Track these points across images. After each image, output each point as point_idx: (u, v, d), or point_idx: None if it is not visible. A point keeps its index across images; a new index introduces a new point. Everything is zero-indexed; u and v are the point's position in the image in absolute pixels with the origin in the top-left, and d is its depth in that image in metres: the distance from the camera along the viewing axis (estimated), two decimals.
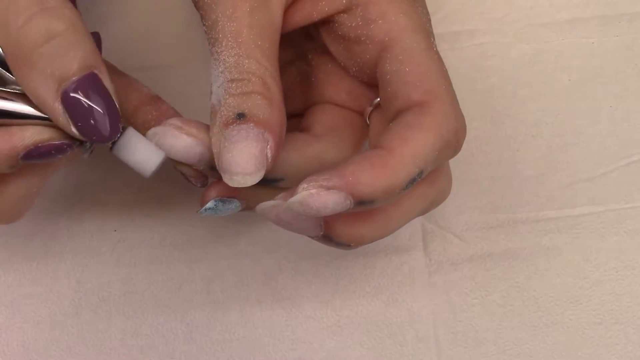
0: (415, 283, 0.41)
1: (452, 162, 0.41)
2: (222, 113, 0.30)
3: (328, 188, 0.29)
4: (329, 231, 0.32)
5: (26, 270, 0.41)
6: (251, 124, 0.30)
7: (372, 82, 0.35)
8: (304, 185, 0.29)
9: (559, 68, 0.43)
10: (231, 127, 0.30)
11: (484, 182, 0.41)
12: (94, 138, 0.29)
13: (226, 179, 0.30)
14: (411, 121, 0.31)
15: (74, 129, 0.29)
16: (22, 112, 0.29)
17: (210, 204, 0.34)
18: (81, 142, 0.30)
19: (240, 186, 0.30)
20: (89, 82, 0.28)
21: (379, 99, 0.35)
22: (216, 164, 0.30)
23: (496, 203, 0.41)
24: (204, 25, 0.32)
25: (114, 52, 0.44)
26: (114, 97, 0.29)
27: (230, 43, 0.31)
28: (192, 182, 0.34)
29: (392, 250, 0.41)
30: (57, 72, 0.28)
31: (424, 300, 0.40)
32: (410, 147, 0.30)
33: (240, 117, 0.30)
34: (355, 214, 0.31)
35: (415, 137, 0.31)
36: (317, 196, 0.29)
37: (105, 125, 0.29)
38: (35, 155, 0.30)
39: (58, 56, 0.28)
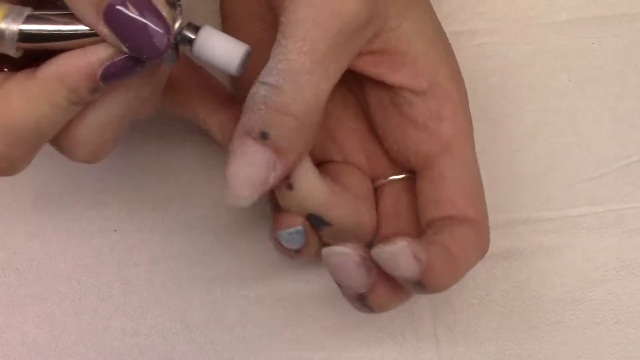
0: None
1: None
2: (250, 121, 0.30)
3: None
4: (369, 294, 0.33)
5: (26, 270, 0.41)
6: (269, 150, 0.30)
7: (399, 160, 0.36)
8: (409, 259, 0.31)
9: (559, 68, 0.43)
10: (250, 142, 0.30)
11: (484, 182, 0.41)
12: (145, 56, 0.28)
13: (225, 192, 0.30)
14: (470, 236, 0.34)
15: (124, 49, 0.28)
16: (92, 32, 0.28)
17: (300, 228, 0.34)
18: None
19: (230, 204, 0.30)
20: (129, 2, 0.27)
21: (392, 178, 0.37)
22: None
23: (496, 203, 0.41)
24: (282, 16, 0.31)
25: None
26: (159, 7, 0.28)
27: (304, 48, 0.30)
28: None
29: None
30: None
31: (424, 300, 0.40)
32: (469, 260, 0.34)
33: (264, 136, 0.30)
34: (396, 288, 0.33)
35: (471, 251, 0.34)
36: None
37: (151, 40, 0.27)
38: (114, 72, 0.28)
39: None
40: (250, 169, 0.30)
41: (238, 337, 0.40)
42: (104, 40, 0.28)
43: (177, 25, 0.28)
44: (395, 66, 0.34)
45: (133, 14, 0.27)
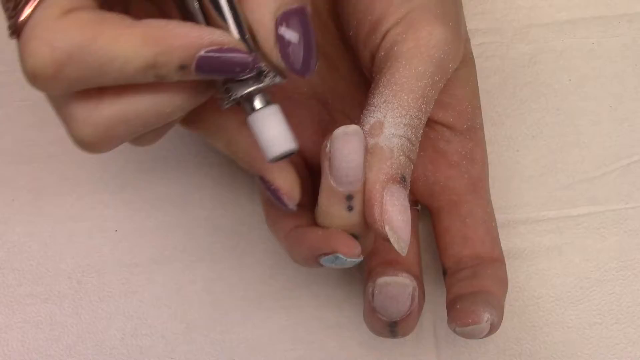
0: None
1: None
2: (392, 169, 0.30)
3: None
4: (402, 322, 0.35)
5: (26, 270, 0.41)
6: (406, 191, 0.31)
7: (419, 191, 0.38)
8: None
9: (559, 68, 0.43)
10: (399, 187, 0.30)
11: None
12: (291, 65, 0.28)
13: (391, 237, 0.30)
14: (503, 276, 0.37)
15: (276, 53, 0.28)
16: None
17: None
18: (259, 74, 0.28)
19: (401, 250, 0.31)
20: (300, 15, 0.28)
21: None
22: (372, 212, 0.30)
23: (496, 203, 0.41)
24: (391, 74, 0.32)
25: None
26: (313, 39, 0.28)
27: (419, 103, 0.31)
28: (283, 201, 0.33)
29: None
30: None
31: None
32: (504, 298, 0.37)
33: (404, 180, 0.31)
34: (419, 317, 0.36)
35: (505, 290, 0.37)
36: None
37: (300, 58, 0.28)
38: (213, 63, 0.27)
39: None
40: (406, 213, 0.30)
41: (238, 337, 0.40)
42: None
43: (263, 82, 0.28)
44: (441, 104, 0.36)
45: (296, 29, 0.28)
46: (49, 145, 0.43)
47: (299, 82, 0.36)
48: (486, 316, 0.34)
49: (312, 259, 0.33)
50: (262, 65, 0.28)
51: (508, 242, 0.41)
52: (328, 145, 0.31)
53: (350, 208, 0.32)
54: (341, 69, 0.37)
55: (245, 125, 0.30)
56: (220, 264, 0.41)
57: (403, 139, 0.31)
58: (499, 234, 0.40)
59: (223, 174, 0.42)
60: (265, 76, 0.28)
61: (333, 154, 0.30)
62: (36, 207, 0.42)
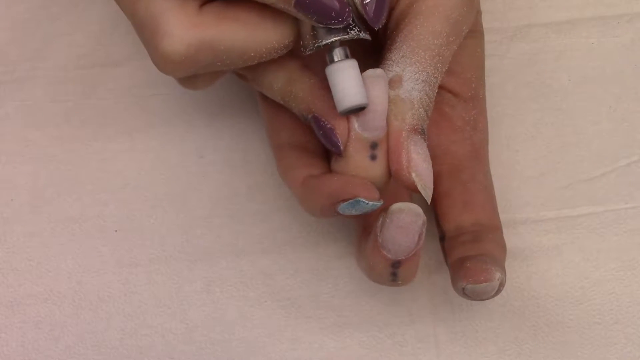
0: (415, 283, 0.40)
1: None
2: (414, 119, 0.32)
3: None
4: (405, 262, 0.34)
5: (26, 270, 0.41)
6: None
7: None
8: None
9: (558, 68, 0.43)
10: (420, 138, 0.32)
11: None
12: (366, 14, 0.31)
13: (418, 183, 0.32)
14: (503, 242, 0.38)
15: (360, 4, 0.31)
16: None
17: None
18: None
19: (426, 195, 0.32)
20: None
21: None
22: (398, 159, 0.32)
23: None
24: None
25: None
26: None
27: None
28: (335, 141, 0.33)
29: None
30: None
31: (424, 300, 0.40)
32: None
33: (423, 132, 0.33)
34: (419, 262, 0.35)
35: (505, 256, 0.38)
36: None
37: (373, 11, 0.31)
38: (313, 2, 0.29)
39: None
40: (429, 162, 0.32)
41: (238, 337, 0.40)
42: None
43: (349, 35, 0.31)
44: (448, 70, 0.35)
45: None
46: (49, 145, 0.43)
47: None
48: (497, 275, 0.34)
49: (330, 207, 0.33)
50: (352, 19, 0.30)
51: (508, 242, 0.40)
52: None
53: (373, 157, 0.32)
54: None
55: (307, 67, 0.32)
56: (220, 264, 0.41)
57: (422, 92, 0.32)
58: None
59: (222, 173, 0.42)
60: (352, 29, 0.31)
61: None
62: (36, 207, 0.42)
